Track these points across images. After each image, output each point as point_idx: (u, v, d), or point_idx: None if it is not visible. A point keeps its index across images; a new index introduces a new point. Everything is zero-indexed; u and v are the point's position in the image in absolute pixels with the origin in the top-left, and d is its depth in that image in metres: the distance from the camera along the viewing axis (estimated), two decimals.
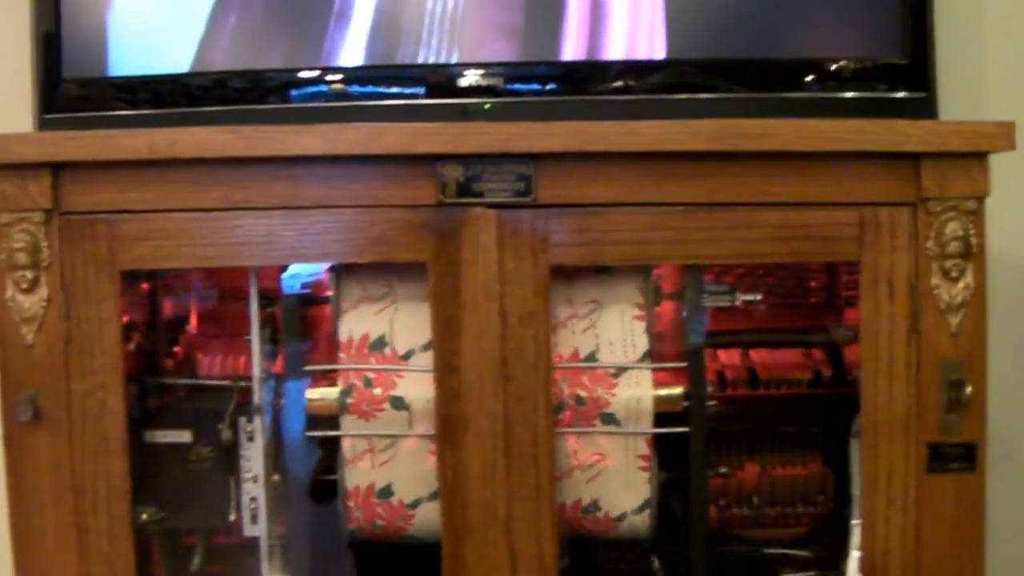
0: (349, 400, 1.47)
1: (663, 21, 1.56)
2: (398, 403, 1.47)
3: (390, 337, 1.48)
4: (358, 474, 1.49)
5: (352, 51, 1.59)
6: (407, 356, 1.48)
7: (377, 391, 1.47)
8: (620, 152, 1.38)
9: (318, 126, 1.38)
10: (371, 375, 1.47)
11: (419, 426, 1.47)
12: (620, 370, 1.48)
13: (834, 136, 1.38)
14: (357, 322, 1.49)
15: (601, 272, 1.50)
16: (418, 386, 1.46)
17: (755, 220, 1.40)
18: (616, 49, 1.59)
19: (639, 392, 1.47)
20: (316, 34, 1.58)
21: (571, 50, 1.59)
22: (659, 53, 1.60)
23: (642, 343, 1.48)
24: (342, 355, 1.48)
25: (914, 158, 1.39)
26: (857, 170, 1.40)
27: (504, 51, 1.59)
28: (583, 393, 1.47)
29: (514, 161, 1.38)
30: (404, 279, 1.49)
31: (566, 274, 1.49)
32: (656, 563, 1.63)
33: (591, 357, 1.48)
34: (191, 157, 1.37)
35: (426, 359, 1.44)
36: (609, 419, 1.48)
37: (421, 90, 1.59)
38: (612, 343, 1.48)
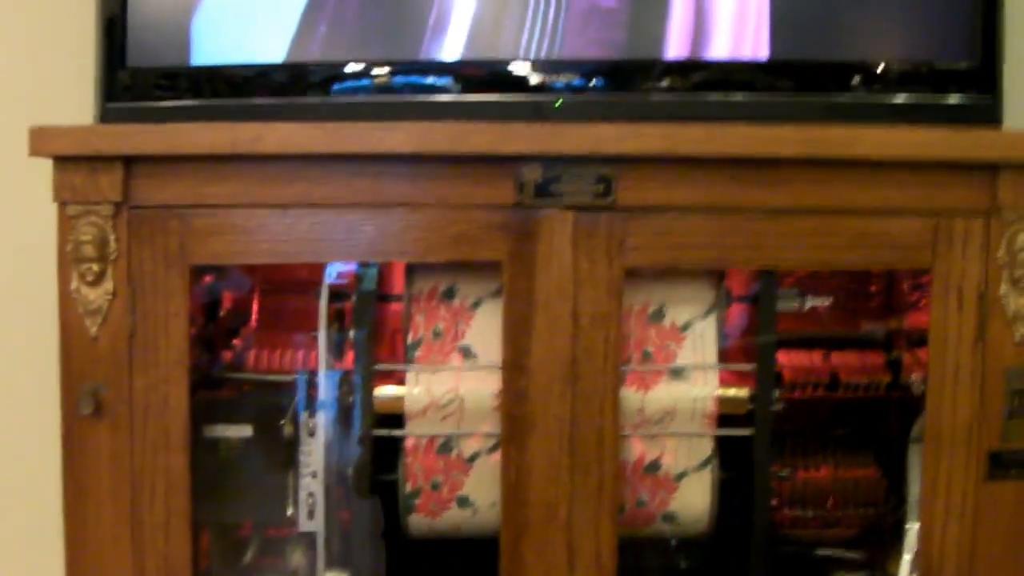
0: (417, 501, 1.49)
1: (768, 32, 1.54)
2: (464, 503, 1.49)
3: (455, 441, 1.47)
4: None
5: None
6: (472, 459, 1.47)
7: (444, 491, 1.49)
8: (706, 156, 1.37)
9: (405, 123, 1.35)
10: (439, 477, 1.48)
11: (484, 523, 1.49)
12: (681, 474, 1.49)
13: (918, 144, 1.38)
14: (422, 428, 1.48)
15: (676, 376, 1.49)
16: (485, 485, 1.47)
17: (834, 227, 1.40)
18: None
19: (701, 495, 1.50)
20: (411, 45, 1.54)
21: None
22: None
23: (708, 446, 1.49)
24: (409, 459, 1.48)
25: (992, 168, 1.39)
26: (933, 179, 1.39)
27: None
28: (645, 497, 1.49)
29: (596, 163, 1.37)
30: (469, 384, 1.48)
31: (642, 383, 1.48)
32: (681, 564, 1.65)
33: (655, 464, 1.49)
34: (275, 153, 1.34)
35: (492, 461, 1.45)
36: (669, 518, 1.51)
37: (494, 87, 1.55)
38: (677, 449, 1.49)
